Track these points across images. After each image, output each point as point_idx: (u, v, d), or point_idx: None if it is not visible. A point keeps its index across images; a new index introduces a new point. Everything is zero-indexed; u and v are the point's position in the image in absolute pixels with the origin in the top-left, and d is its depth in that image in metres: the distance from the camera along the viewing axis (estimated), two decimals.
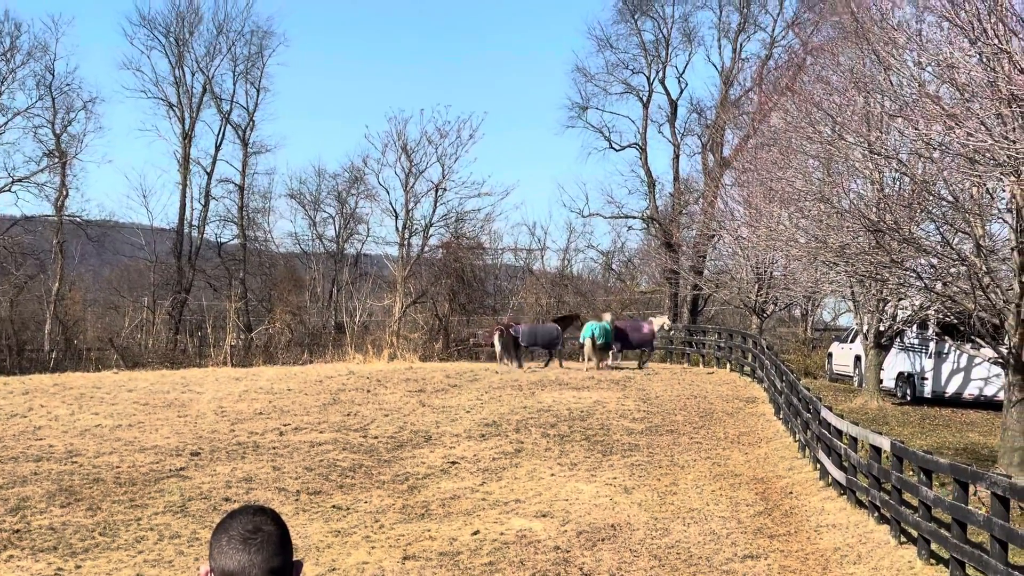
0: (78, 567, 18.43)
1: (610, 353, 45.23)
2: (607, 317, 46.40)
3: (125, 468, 26.14)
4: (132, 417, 32.71)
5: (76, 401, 35.46)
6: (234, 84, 77.26)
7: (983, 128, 19.53)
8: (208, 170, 76.03)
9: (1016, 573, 13.41)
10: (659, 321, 47.47)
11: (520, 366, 45.76)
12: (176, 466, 26.39)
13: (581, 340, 45.80)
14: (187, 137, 74.51)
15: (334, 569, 18.26)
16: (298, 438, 29.76)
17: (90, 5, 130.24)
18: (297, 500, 23.32)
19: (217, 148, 76.29)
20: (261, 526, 3.78)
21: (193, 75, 75.72)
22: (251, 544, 3.74)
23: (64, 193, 69.92)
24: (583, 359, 46.32)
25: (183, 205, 74.82)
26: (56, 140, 70.48)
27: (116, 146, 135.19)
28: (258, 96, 77.55)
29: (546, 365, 46.88)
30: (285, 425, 31.51)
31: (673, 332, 47.77)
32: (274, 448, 28.52)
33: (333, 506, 22.80)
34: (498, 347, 46.65)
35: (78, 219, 71.33)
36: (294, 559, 3.88)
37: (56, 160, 70.06)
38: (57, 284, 66.72)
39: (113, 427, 31.18)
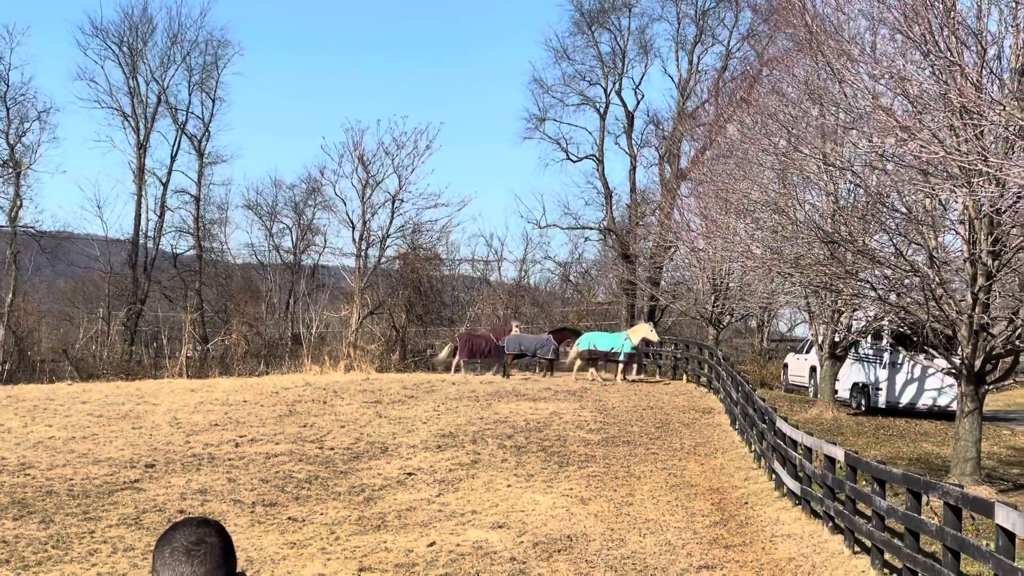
0: None
1: (626, 367, 45.42)
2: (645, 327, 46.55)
3: (79, 480, 25.94)
4: (86, 429, 32.47)
5: (29, 413, 35.17)
6: (189, 94, 76.88)
7: (936, 140, 19.70)
8: (163, 181, 75.63)
9: None
10: (642, 330, 47.25)
11: (506, 375, 45.86)
12: (130, 478, 26.20)
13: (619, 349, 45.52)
14: (142, 148, 74.05)
15: None
16: (254, 450, 29.62)
17: (45, 15, 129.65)
18: (252, 512, 23.20)
19: (172, 159, 75.92)
20: (204, 538, 3.76)
21: (147, 85, 75.27)
22: (194, 556, 3.72)
23: (18, 204, 69.31)
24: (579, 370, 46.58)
25: (138, 216, 74.36)
26: (10, 150, 69.88)
27: (70, 157, 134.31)
28: (213, 106, 77.24)
29: (542, 374, 47.08)
30: (241, 437, 31.35)
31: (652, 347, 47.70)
32: (230, 460, 28.37)
33: (289, 518, 22.69)
34: (444, 353, 46.92)
35: (32, 230, 70.74)
36: (238, 570, 3.86)
37: (10, 171, 69.48)
38: (11, 295, 66.08)
39: (67, 439, 30.93)
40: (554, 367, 48.33)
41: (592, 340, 46.17)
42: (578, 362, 46.27)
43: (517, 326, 50.07)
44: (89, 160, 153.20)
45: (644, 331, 46.20)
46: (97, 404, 37.15)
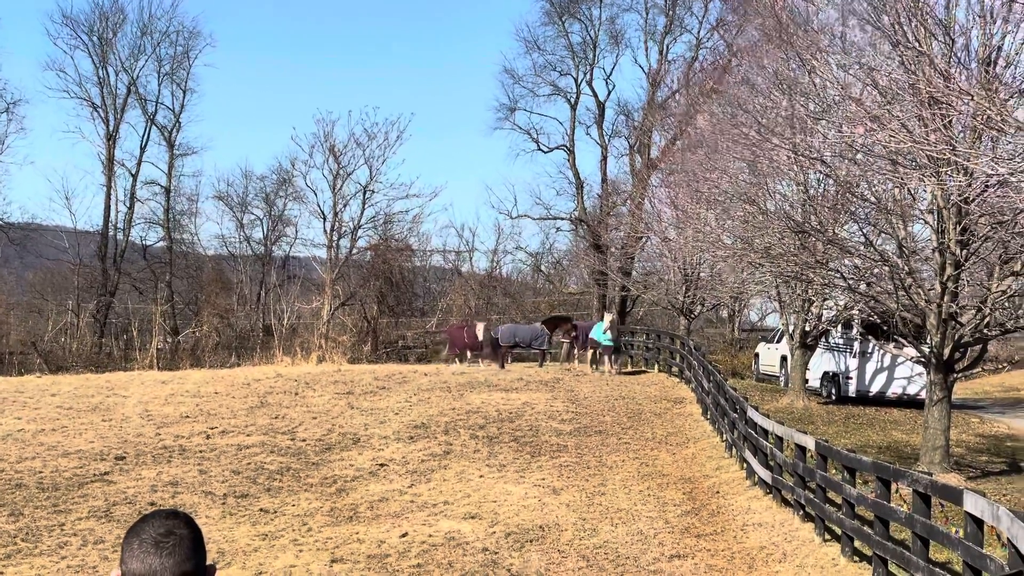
0: (0, 573, 18.18)
1: (611, 358, 45.41)
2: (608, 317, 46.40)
3: (48, 473, 25.83)
4: (56, 421, 32.33)
5: None
6: (159, 85, 76.47)
7: (904, 130, 19.78)
8: (133, 172, 75.23)
9: (937, 569, 13.58)
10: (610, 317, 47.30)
11: (502, 366, 45.90)
12: (101, 471, 26.11)
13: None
14: (111, 139, 73.65)
15: (261, 573, 18.16)
16: (225, 441, 29.55)
17: (14, 3, 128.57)
18: (224, 504, 23.15)
19: (142, 150, 75.52)
20: (173, 529, 3.75)
21: (117, 75, 74.82)
22: (163, 548, 3.70)
23: None
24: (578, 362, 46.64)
25: (107, 207, 73.96)
26: None
27: (38, 147, 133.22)
28: (184, 97, 76.85)
29: (540, 365, 47.12)
30: (212, 428, 31.28)
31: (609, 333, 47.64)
32: (201, 452, 28.30)
33: (260, 509, 22.66)
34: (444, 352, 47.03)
35: (0, 221, 70.33)
36: (208, 563, 3.85)
37: None
38: None
39: (36, 432, 30.79)
40: (547, 357, 48.39)
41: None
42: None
43: (477, 322, 50.08)
44: (58, 151, 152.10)
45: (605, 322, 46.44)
46: (67, 396, 37.00)
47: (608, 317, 46.29)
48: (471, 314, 67.71)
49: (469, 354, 47.16)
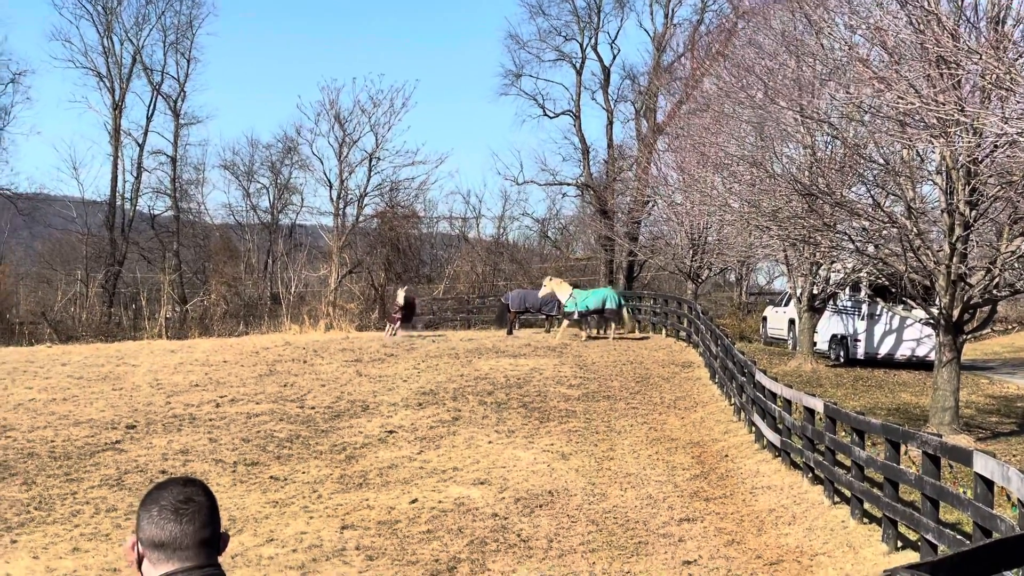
0: (13, 542, 18.25)
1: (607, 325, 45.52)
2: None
3: (60, 442, 25.91)
4: (66, 391, 32.42)
5: (9, 376, 35.09)
6: (164, 54, 76.80)
7: (912, 91, 19.69)
8: (139, 141, 75.34)
9: (947, 530, 13.59)
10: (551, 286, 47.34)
11: (510, 333, 45.91)
12: (112, 439, 26.19)
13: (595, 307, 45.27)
14: (117, 108, 73.65)
15: (272, 540, 18.21)
16: (234, 409, 29.62)
17: None
18: (234, 471, 23.22)
19: (148, 119, 75.65)
20: (192, 496, 3.74)
21: (122, 45, 74.87)
22: (183, 515, 3.70)
23: None
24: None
25: (115, 177, 74.06)
26: None
27: (45, 117, 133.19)
28: (188, 66, 76.95)
29: (547, 331, 47.18)
30: (221, 397, 31.35)
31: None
32: (210, 420, 28.37)
33: (270, 477, 22.73)
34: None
35: (8, 192, 70.37)
36: (221, 530, 3.85)
37: None
38: None
39: (47, 401, 30.89)
40: (554, 323, 48.43)
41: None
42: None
43: (398, 289, 49.95)
44: (64, 121, 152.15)
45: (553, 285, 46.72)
46: (77, 366, 37.10)
47: (548, 282, 46.84)
48: (479, 279, 67.81)
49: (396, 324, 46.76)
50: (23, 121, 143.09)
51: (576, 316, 44.92)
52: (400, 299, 46.81)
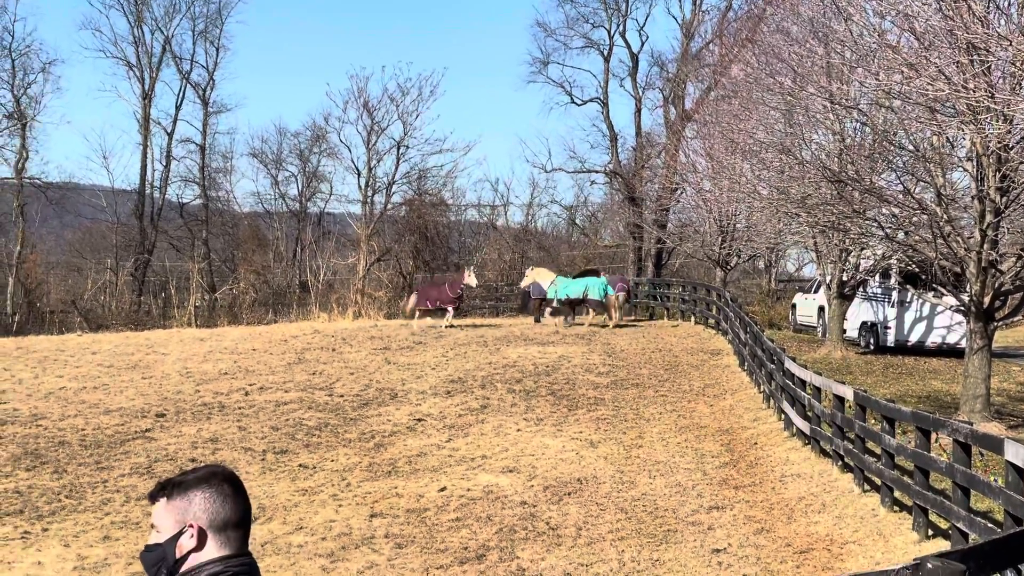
0: (44, 530, 18.36)
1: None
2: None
3: (90, 431, 26.04)
4: (96, 379, 32.58)
5: (40, 364, 35.29)
6: (193, 43, 76.76)
7: (942, 77, 19.56)
8: (168, 130, 75.60)
9: (978, 518, 13.52)
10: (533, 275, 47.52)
11: (538, 320, 45.94)
12: (142, 428, 26.31)
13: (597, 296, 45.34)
14: (147, 97, 73.90)
15: (301, 528, 18.27)
16: (263, 398, 29.71)
17: None
18: (263, 460, 23.30)
19: (177, 108, 75.87)
20: (234, 476, 3.75)
21: (152, 34, 75.15)
22: (241, 493, 3.69)
23: (24, 156, 69.18)
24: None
25: (144, 166, 74.34)
26: (15, 102, 69.67)
27: (75, 107, 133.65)
28: (218, 55, 77.19)
29: (572, 319, 47.23)
30: (250, 385, 31.45)
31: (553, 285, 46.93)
32: (240, 408, 28.47)
33: (300, 465, 22.79)
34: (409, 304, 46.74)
35: (38, 181, 70.65)
36: None
37: (16, 123, 69.28)
38: (19, 247, 66.12)
39: (78, 390, 31.05)
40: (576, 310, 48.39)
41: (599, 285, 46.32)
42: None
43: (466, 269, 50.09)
44: (94, 110, 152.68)
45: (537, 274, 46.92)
46: (107, 354, 37.28)
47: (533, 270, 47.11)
48: (507, 267, 67.74)
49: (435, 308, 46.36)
50: (53, 111, 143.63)
51: (555, 304, 45.16)
52: (472, 280, 46.85)
